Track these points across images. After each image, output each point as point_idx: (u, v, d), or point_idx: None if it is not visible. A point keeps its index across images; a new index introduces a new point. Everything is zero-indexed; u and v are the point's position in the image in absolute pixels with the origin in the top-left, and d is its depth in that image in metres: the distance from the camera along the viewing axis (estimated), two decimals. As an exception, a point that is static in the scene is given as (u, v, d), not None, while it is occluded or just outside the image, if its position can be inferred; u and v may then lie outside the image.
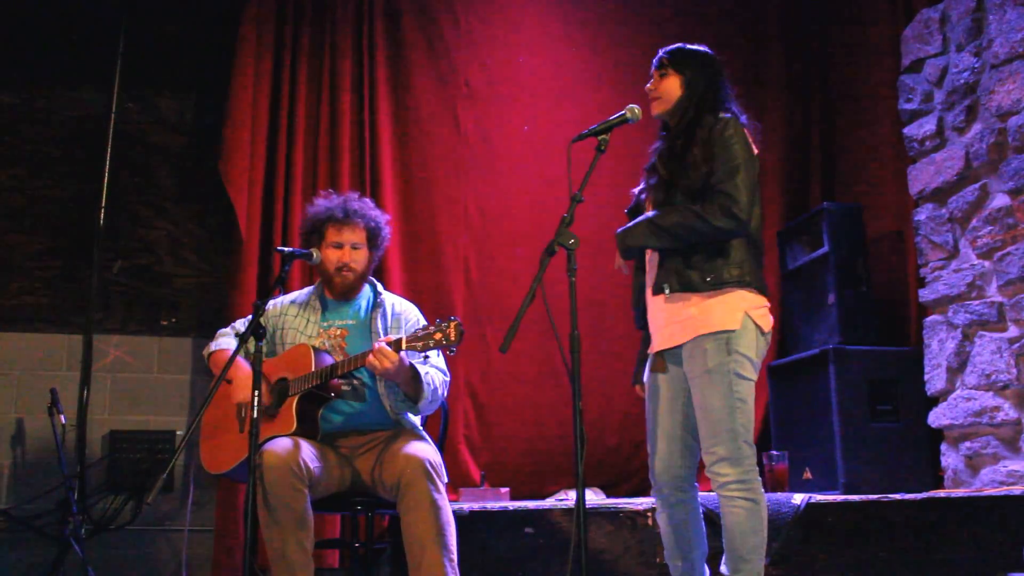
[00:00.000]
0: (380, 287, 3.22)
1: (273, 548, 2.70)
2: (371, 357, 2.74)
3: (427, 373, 2.93)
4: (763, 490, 2.48)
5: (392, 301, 3.19)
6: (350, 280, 3.10)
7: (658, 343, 2.60)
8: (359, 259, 3.10)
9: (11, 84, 4.41)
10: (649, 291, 2.63)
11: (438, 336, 2.68)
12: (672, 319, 2.53)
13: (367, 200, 3.24)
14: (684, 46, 2.67)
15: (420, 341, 2.71)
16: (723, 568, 2.50)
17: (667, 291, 2.52)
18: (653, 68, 2.68)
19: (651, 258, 2.62)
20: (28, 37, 4.45)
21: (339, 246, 3.08)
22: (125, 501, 4.08)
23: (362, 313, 3.13)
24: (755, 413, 2.50)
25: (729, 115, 2.53)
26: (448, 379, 3.07)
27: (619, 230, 2.57)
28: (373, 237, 3.14)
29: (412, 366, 2.87)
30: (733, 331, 2.44)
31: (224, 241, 4.40)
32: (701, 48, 2.68)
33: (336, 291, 3.13)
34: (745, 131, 2.53)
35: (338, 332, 3.08)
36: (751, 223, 2.46)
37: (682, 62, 2.63)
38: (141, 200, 4.47)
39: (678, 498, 2.59)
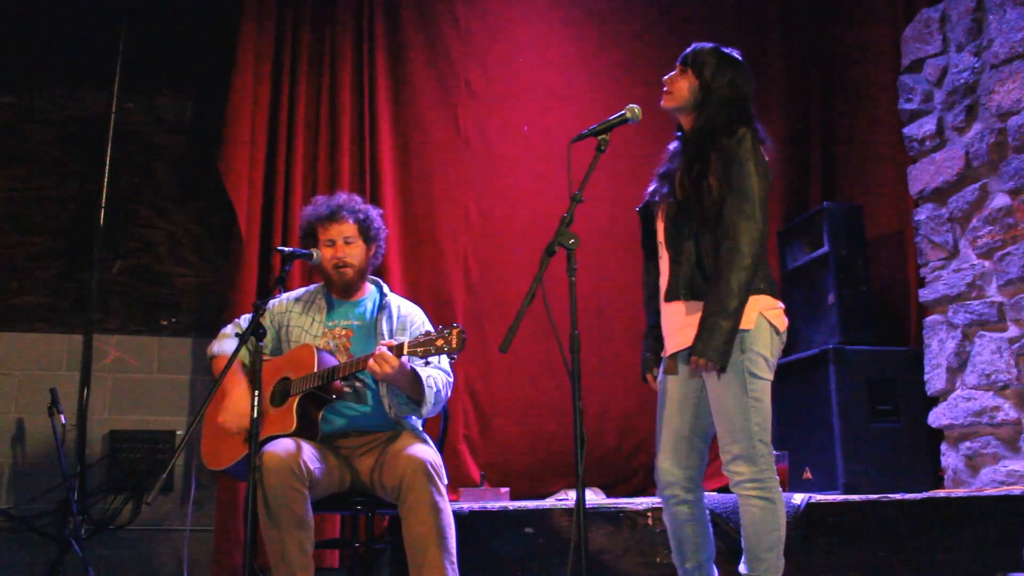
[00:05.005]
0: (386, 288, 3.21)
1: (273, 549, 2.69)
2: (372, 362, 2.73)
3: (429, 376, 2.91)
4: (781, 489, 2.46)
5: (398, 303, 3.18)
6: (349, 276, 3.08)
7: (672, 345, 2.59)
8: (353, 253, 3.08)
9: (11, 84, 4.41)
10: (663, 296, 2.61)
11: (440, 343, 2.67)
12: (688, 322, 2.51)
13: (355, 196, 3.23)
14: (718, 48, 2.60)
15: (422, 347, 2.70)
16: (741, 568, 2.50)
17: (683, 297, 2.50)
18: (678, 61, 2.62)
19: (665, 263, 2.60)
20: (28, 37, 4.45)
21: (331, 243, 3.08)
22: (125, 501, 4.08)
23: (367, 314, 3.12)
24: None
25: (745, 127, 2.49)
26: (451, 380, 3.05)
27: (701, 347, 2.38)
28: (365, 230, 3.12)
29: (413, 369, 2.87)
30: (747, 330, 2.44)
31: (224, 241, 4.40)
32: (732, 53, 2.60)
33: (338, 289, 3.12)
34: (760, 145, 2.50)
35: (343, 332, 3.07)
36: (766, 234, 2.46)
37: (703, 64, 2.56)
38: (141, 200, 4.47)
39: (683, 498, 2.58)
